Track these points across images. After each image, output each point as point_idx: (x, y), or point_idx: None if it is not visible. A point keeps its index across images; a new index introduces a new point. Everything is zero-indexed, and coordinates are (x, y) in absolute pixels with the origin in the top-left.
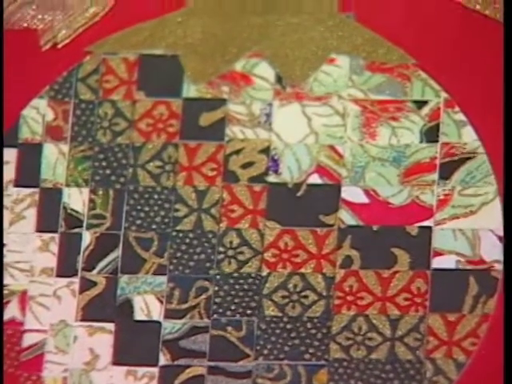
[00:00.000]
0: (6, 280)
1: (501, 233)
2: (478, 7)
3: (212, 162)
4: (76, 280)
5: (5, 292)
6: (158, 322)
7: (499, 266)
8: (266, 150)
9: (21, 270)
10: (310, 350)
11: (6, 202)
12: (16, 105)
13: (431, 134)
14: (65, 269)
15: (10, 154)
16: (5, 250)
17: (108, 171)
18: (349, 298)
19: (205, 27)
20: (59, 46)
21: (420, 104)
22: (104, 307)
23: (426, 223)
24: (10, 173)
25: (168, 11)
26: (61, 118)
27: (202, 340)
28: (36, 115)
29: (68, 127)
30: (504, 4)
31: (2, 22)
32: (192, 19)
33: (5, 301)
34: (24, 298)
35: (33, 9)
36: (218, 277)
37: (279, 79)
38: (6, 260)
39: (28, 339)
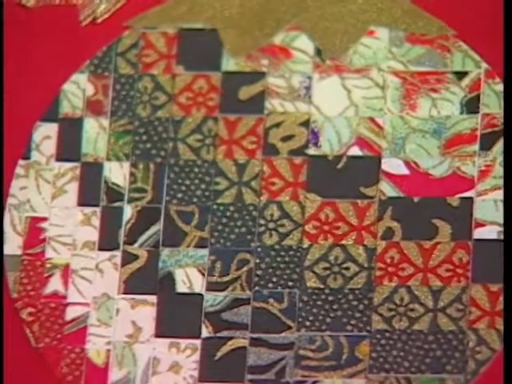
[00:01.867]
0: (49, 254)
1: None
2: None
3: (252, 135)
4: (118, 253)
5: (47, 266)
6: (200, 295)
7: None
8: (305, 123)
9: (63, 244)
10: (352, 322)
11: (48, 176)
12: (56, 80)
13: (472, 105)
14: (106, 242)
15: (51, 129)
16: (47, 223)
17: (148, 145)
18: (390, 269)
19: (243, 1)
20: (98, 21)
21: (460, 75)
22: (146, 280)
23: (467, 194)
24: (51, 147)
25: None
26: (101, 93)
27: (244, 312)
28: (76, 90)
29: (108, 102)
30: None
31: (1, 33)
32: None
33: (47, 274)
34: (66, 271)
35: None
36: (259, 249)
37: (318, 52)
38: (48, 234)
39: (71, 312)
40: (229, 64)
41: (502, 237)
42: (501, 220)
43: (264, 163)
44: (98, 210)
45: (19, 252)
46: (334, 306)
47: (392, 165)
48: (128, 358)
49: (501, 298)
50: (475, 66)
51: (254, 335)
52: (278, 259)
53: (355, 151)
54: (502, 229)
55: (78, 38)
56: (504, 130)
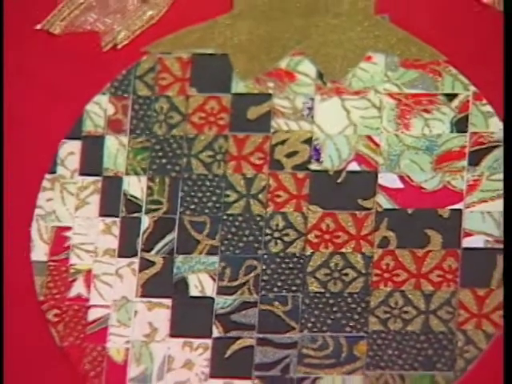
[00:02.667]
0: (73, 260)
1: None
2: (500, 8)
3: (259, 151)
4: (136, 260)
5: (71, 271)
6: (211, 298)
7: None
8: (308, 141)
9: (86, 251)
10: (351, 323)
11: (72, 189)
12: (80, 101)
13: (461, 125)
14: (126, 250)
15: (75, 146)
16: (71, 232)
17: (164, 161)
18: (386, 275)
19: (251, 29)
20: (119, 46)
21: (450, 97)
22: (161, 284)
23: (456, 206)
24: (75, 162)
25: (217, 15)
26: (121, 112)
27: (252, 314)
28: (98, 110)
29: (127, 121)
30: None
31: (1, 20)
32: (239, 21)
33: (71, 279)
34: (89, 276)
35: (95, 13)
36: (265, 256)
37: (320, 75)
38: (72, 242)
39: (93, 314)
40: (238, 86)
41: (488, 245)
42: (488, 230)
43: (270, 177)
44: (117, 220)
45: (45, 258)
46: (334, 309)
47: (388, 179)
48: (145, 355)
49: (487, 301)
50: (464, 89)
51: (261, 335)
52: (283, 265)
53: (354, 167)
54: (489, 238)
55: (100, 62)
56: (504, 139)
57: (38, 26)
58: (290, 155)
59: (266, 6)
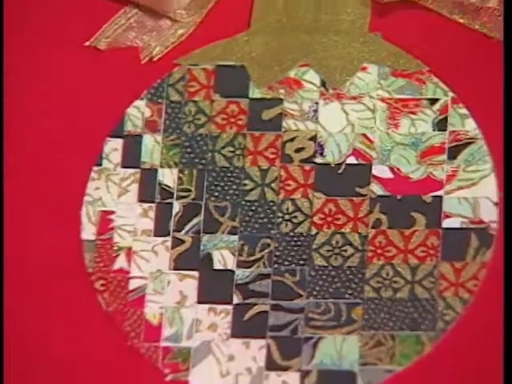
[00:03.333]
0: (116, 239)
1: (495, 199)
2: (477, 27)
3: (272, 147)
4: (169, 239)
5: (115, 248)
6: (232, 271)
7: (494, 225)
8: (313, 138)
9: (127, 231)
10: (349, 291)
11: (116, 179)
12: (122, 105)
13: (441, 124)
14: (160, 230)
15: (118, 143)
16: (114, 216)
17: (192, 155)
18: (378, 251)
19: (265, 44)
20: (154, 59)
21: (432, 101)
22: (190, 259)
23: (437, 193)
24: (117, 157)
25: (237, 32)
26: (156, 115)
27: (266, 284)
28: (137, 113)
29: (161, 122)
30: (504, 7)
31: (2, 22)
32: (255, 38)
33: (115, 255)
34: (129, 252)
35: (134, 32)
36: (277, 235)
37: (323, 83)
38: (115, 224)
39: (133, 284)
40: (254, 93)
41: (464, 226)
42: (464, 213)
43: (281, 169)
44: (153, 205)
45: (93, 238)
46: (335, 280)
47: (380, 170)
48: (176, 319)
49: (463, 273)
50: (444, 95)
51: (273, 302)
52: (292, 243)
53: (352, 160)
54: (464, 220)
55: (139, 73)
56: (504, 132)
57: (87, 43)
58: (298, 150)
59: (278, 24)
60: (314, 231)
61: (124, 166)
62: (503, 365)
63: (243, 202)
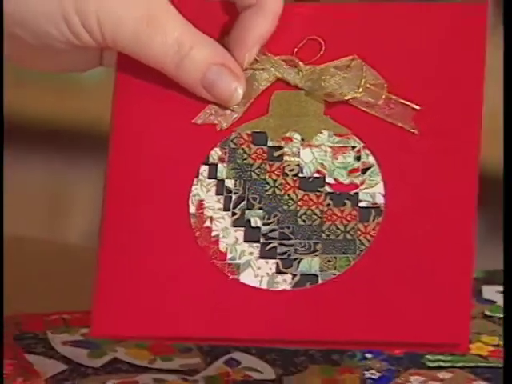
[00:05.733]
0: (205, 212)
1: (383, 192)
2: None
3: (278, 169)
4: (229, 212)
5: (204, 217)
6: (259, 227)
7: (382, 206)
8: (298, 165)
9: (210, 209)
10: (315, 236)
11: (204, 183)
12: (207, 147)
13: (358, 158)
14: (225, 207)
15: (205, 168)
16: (205, 202)
17: (240, 173)
18: (329, 217)
19: (279, 123)
20: (224, 128)
21: (354, 147)
22: (240, 222)
23: (356, 190)
24: (206, 173)
25: (259, 117)
26: (223, 154)
27: (275, 232)
28: (214, 153)
29: (226, 158)
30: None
31: (2, 23)
32: (272, 121)
33: (204, 219)
34: (211, 219)
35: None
36: (282, 212)
37: (302, 139)
38: (205, 205)
39: (213, 233)
40: (270, 143)
41: (368, 206)
42: (368, 199)
43: (283, 180)
44: (222, 196)
45: (194, 212)
46: (309, 231)
47: (329, 180)
48: (234, 250)
49: (368, 228)
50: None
51: (279, 242)
52: (287, 218)
53: (316, 175)
54: (368, 203)
55: (216, 133)
56: (505, 131)
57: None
58: (291, 170)
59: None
60: (298, 208)
61: (209, 178)
62: (503, 365)
63: (265, 195)
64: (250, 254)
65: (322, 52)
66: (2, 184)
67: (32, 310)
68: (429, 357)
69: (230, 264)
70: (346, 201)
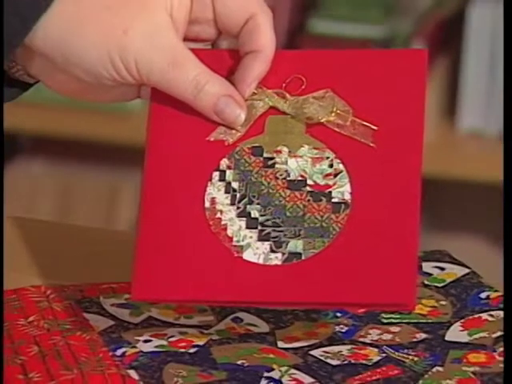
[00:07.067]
0: (217, 206)
1: (350, 190)
2: None
3: (271, 174)
4: (235, 206)
5: (216, 210)
6: (257, 218)
7: (348, 199)
8: (286, 171)
9: (220, 204)
10: (299, 223)
11: (216, 185)
12: (218, 157)
13: (331, 167)
14: (231, 202)
15: (216, 174)
16: (216, 199)
17: (243, 176)
18: (309, 208)
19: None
20: (230, 143)
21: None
22: (242, 214)
23: (329, 189)
24: (217, 176)
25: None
26: (230, 163)
27: (270, 221)
28: (223, 163)
29: (233, 166)
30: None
31: (1, 30)
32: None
33: (216, 211)
34: (222, 211)
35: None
36: (274, 205)
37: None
38: (217, 200)
39: (223, 221)
40: (266, 154)
41: (339, 200)
42: (335, 194)
43: (275, 182)
44: (229, 194)
45: (209, 206)
46: (296, 219)
47: (310, 182)
48: (238, 234)
49: (326, 214)
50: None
51: (273, 228)
52: (278, 211)
53: (299, 178)
54: (338, 198)
55: (224, 146)
56: (504, 131)
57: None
58: (281, 175)
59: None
60: (286, 203)
61: (219, 180)
62: (503, 365)
63: (261, 194)
64: (251, 237)
65: (303, 86)
66: (2, 184)
67: (91, 280)
68: (383, 315)
69: (235, 245)
70: (322, 197)
